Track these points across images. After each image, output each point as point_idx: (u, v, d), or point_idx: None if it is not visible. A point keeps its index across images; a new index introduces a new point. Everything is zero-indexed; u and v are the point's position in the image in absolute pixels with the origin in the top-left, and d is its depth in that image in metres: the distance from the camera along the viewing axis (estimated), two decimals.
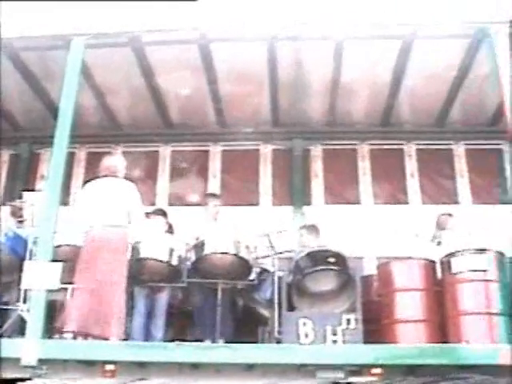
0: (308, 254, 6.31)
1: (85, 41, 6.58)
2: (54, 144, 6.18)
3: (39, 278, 5.46)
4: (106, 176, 6.17)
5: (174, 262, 6.22)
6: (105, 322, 5.51)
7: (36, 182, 9.05)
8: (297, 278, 6.16)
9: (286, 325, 5.88)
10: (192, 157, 9.26)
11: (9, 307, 5.98)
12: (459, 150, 9.03)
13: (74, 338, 5.47)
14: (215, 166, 9.16)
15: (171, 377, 5.40)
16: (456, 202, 8.72)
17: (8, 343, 5.29)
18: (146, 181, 8.84)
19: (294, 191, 8.88)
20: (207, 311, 6.28)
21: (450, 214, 7.32)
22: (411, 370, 5.27)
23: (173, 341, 5.95)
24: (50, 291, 5.47)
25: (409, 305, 5.94)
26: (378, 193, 8.85)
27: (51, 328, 5.66)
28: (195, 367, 5.41)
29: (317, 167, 9.06)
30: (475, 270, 5.73)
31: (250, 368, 5.37)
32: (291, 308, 6.06)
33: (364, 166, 9.00)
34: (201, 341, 5.98)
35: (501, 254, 5.90)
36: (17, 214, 6.83)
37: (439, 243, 6.93)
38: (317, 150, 9.14)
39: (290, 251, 6.72)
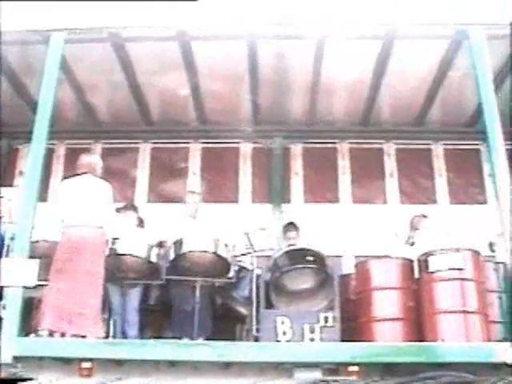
0: (287, 252, 6.34)
1: (64, 36, 6.54)
2: (32, 139, 6.14)
3: (16, 274, 5.41)
4: (84, 173, 6.14)
5: (153, 258, 6.22)
6: (81, 320, 5.49)
7: (14, 177, 8.96)
8: (275, 276, 6.18)
9: (264, 323, 5.90)
10: (172, 154, 9.23)
11: None
12: (438, 149, 9.10)
13: (51, 335, 5.44)
14: (195, 163, 9.14)
15: (148, 374, 5.38)
16: (434, 202, 8.79)
17: None
18: (125, 177, 8.81)
19: (273, 189, 8.89)
20: (185, 309, 6.26)
21: (424, 215, 7.37)
22: (388, 368, 5.30)
23: (151, 338, 5.96)
24: (26, 288, 5.43)
25: (386, 303, 5.99)
26: (357, 191, 8.88)
27: (27, 325, 5.62)
28: (173, 365, 5.40)
29: (296, 165, 9.08)
30: (452, 269, 5.78)
31: (227, 366, 5.37)
32: (269, 306, 6.07)
33: (343, 165, 9.03)
34: (179, 338, 5.97)
35: (477, 253, 5.97)
36: None
37: (412, 244, 6.98)
38: (297, 149, 9.16)
39: (268, 249, 6.74)
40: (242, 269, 6.60)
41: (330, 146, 9.16)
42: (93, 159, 6.41)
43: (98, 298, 5.69)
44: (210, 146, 9.23)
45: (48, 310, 5.49)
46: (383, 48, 7.33)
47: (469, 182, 8.88)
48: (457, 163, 8.97)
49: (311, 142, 9.19)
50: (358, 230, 8.48)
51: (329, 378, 5.24)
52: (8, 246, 5.86)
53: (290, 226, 7.27)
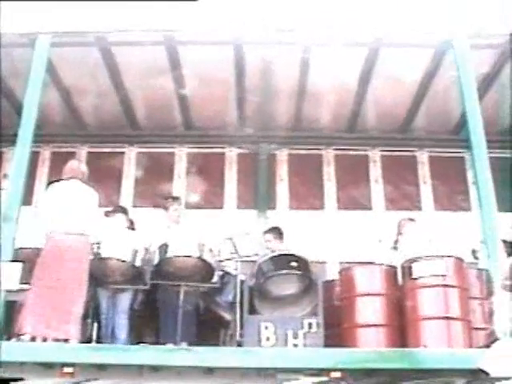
0: (271, 258, 6.34)
1: (50, 39, 6.53)
2: (17, 143, 6.11)
3: None
4: (70, 178, 6.11)
5: (138, 262, 6.20)
6: (64, 324, 5.46)
7: None
8: (259, 281, 6.19)
9: (247, 328, 5.90)
10: (157, 158, 9.22)
11: None
12: (423, 157, 9.15)
13: (33, 340, 5.40)
14: (180, 167, 9.13)
15: (131, 379, 5.37)
16: (419, 209, 8.83)
17: None
18: (110, 181, 8.79)
19: (258, 195, 8.89)
20: (169, 314, 6.24)
21: (410, 219, 7.41)
22: (371, 373, 5.32)
23: (134, 343, 5.94)
24: (8, 292, 5.39)
25: (369, 309, 6.00)
26: (343, 198, 8.90)
27: (9, 330, 5.57)
28: (156, 370, 5.39)
29: (282, 171, 9.09)
30: (435, 275, 5.81)
31: (210, 371, 5.37)
32: (253, 311, 6.07)
33: (329, 172, 9.06)
34: (162, 343, 5.95)
35: (460, 260, 6.00)
36: None
37: (395, 248, 7.02)
38: (282, 155, 9.18)
39: (253, 255, 6.74)
40: (226, 274, 6.60)
41: (315, 152, 9.18)
42: (81, 165, 6.43)
43: (81, 303, 5.66)
44: (195, 151, 9.23)
45: (30, 315, 5.46)
46: (369, 55, 7.38)
47: (453, 189, 8.94)
48: (441, 170, 9.02)
49: (297, 148, 9.22)
50: (343, 236, 8.50)
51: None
52: None
53: (270, 229, 7.28)
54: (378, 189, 8.98)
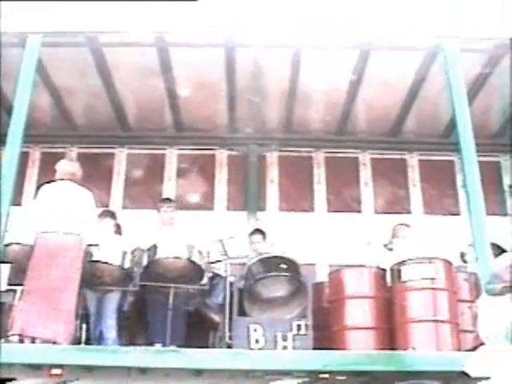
0: (260, 260, 6.34)
1: (41, 39, 6.50)
2: (6, 143, 6.09)
3: None
4: (63, 179, 6.09)
5: (127, 265, 6.19)
6: (53, 326, 5.44)
7: None
8: (249, 283, 6.18)
9: (236, 330, 5.88)
10: (148, 160, 9.20)
11: None
12: (412, 160, 9.19)
13: (21, 341, 5.38)
14: (171, 169, 9.11)
15: (120, 381, 5.36)
16: (408, 212, 8.86)
17: None
18: (100, 183, 8.73)
19: (248, 197, 8.89)
20: (158, 315, 6.23)
21: (406, 225, 7.44)
22: (359, 376, 5.33)
23: (123, 344, 5.92)
24: None
25: (358, 312, 6.01)
26: (332, 200, 8.92)
27: None
28: (144, 372, 5.39)
29: (272, 173, 9.10)
30: (424, 278, 5.83)
31: (199, 373, 5.37)
32: (242, 313, 6.06)
33: (319, 174, 9.07)
34: (151, 345, 5.94)
35: (449, 263, 6.03)
36: None
37: (390, 249, 7.04)
38: (272, 157, 9.18)
39: (242, 257, 6.74)
40: (215, 276, 6.59)
41: (305, 154, 9.20)
42: (75, 165, 6.42)
43: (72, 304, 5.63)
44: (186, 152, 9.22)
45: (18, 316, 5.43)
46: (360, 58, 7.39)
47: (442, 193, 8.98)
48: (431, 174, 9.05)
49: (287, 151, 9.22)
50: (333, 238, 8.51)
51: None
52: None
53: (257, 231, 7.29)
54: (367, 192, 9.00)
